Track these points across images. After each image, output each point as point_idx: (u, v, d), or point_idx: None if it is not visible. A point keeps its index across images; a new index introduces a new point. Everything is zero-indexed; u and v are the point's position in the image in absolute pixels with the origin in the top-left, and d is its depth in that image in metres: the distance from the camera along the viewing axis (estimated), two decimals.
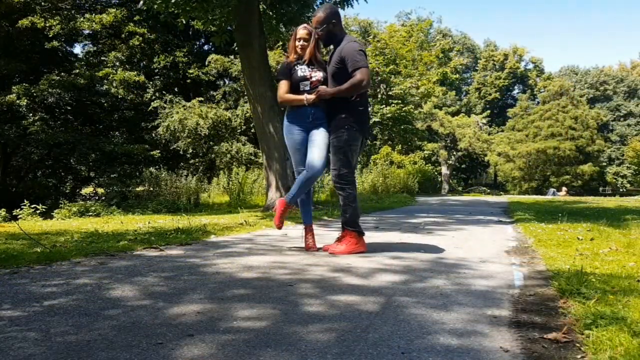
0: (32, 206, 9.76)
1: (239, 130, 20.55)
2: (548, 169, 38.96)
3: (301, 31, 3.75)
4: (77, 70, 18.82)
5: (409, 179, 19.34)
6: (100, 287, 2.47)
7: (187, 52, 20.87)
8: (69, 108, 20.04)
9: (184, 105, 19.80)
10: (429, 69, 29.38)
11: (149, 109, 20.13)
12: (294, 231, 5.26)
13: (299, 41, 3.74)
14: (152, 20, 18.95)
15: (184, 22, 10.04)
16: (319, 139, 3.67)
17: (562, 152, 37.92)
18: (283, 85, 3.73)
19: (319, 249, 3.79)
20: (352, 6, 10.61)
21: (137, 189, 15.41)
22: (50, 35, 17.89)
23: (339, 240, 3.72)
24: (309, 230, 3.86)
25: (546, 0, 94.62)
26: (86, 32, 20.12)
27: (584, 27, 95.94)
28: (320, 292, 2.41)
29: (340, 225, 3.80)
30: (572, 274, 2.63)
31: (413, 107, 24.72)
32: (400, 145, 25.92)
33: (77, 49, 27.76)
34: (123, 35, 19.82)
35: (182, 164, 21.32)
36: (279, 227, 3.79)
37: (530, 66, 51.58)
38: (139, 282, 2.62)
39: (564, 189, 29.21)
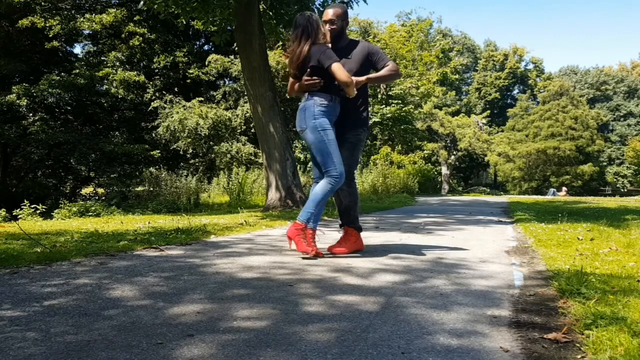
0: (32, 206, 9.75)
1: (239, 130, 20.56)
2: (548, 169, 38.95)
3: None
4: (77, 70, 18.83)
5: (409, 179, 19.31)
6: (100, 287, 2.47)
7: (187, 52, 20.88)
8: (69, 108, 20.04)
9: (184, 105, 19.81)
10: (429, 69, 29.38)
11: (149, 109, 20.13)
12: None
13: (326, 24, 3.50)
14: (152, 20, 18.98)
15: (184, 22, 10.04)
16: (338, 141, 3.46)
17: (562, 152, 37.92)
18: (343, 66, 3.28)
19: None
20: (351, 7, 10.57)
21: (137, 189, 15.42)
22: (50, 35, 17.91)
23: (343, 239, 3.72)
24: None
25: (546, 0, 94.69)
26: (86, 32, 20.16)
27: (584, 27, 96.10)
28: (320, 292, 2.41)
29: (339, 225, 3.79)
30: (572, 274, 2.63)
31: (413, 107, 24.72)
32: (400, 145, 25.91)
33: (77, 49, 27.76)
34: (123, 35, 19.84)
35: (182, 164, 21.33)
36: (321, 254, 3.40)
37: (530, 66, 51.57)
38: (139, 282, 2.62)
39: (564, 189, 29.17)
